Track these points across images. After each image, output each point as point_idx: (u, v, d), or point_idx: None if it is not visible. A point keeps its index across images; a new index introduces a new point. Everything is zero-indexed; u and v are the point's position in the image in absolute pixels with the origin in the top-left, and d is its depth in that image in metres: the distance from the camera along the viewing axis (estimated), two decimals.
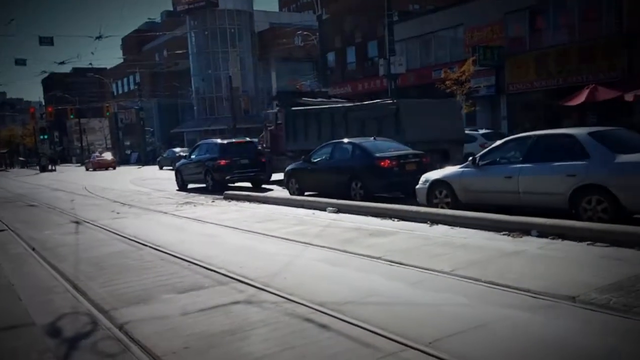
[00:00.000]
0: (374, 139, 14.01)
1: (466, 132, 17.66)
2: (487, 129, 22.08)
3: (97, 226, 10.88)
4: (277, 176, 18.14)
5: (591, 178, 7.60)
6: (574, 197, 7.77)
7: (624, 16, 19.95)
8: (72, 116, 58.45)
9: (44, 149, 54.56)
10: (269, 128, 20.78)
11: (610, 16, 21.34)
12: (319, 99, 21.87)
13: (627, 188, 7.24)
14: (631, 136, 8.63)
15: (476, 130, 20.43)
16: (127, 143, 62.13)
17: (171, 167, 30.19)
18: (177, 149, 38.90)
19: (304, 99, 21.20)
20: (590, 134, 8.10)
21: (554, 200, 8.06)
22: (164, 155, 39.13)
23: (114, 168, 42.80)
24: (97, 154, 47.40)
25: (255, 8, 53.59)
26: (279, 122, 19.82)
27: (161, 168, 37.05)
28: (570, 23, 23.58)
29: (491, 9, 26.30)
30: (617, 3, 20.19)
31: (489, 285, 5.07)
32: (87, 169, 43.76)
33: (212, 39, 50.50)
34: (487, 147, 10.20)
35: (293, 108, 19.38)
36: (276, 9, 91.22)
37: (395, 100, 16.72)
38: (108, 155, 45.81)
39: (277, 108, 21.29)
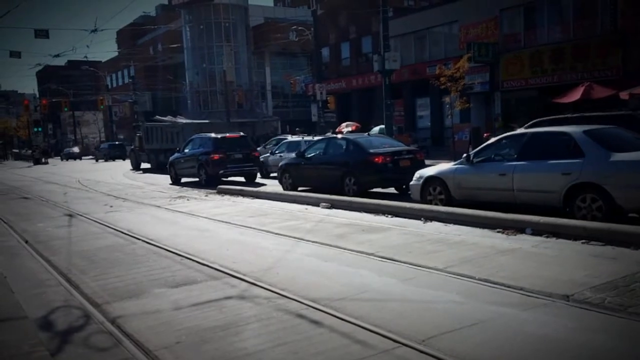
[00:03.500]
0: (368, 134, 13.99)
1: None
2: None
3: (90, 219, 10.82)
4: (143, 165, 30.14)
5: (586, 176, 7.60)
6: (569, 195, 7.77)
7: (619, 15, 19.98)
8: (66, 109, 58.10)
9: (37, 142, 54.19)
10: (138, 134, 31.99)
11: (605, 15, 21.38)
12: (168, 117, 32.40)
13: (622, 186, 7.25)
14: (626, 135, 8.63)
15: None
16: (121, 136, 61.78)
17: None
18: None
19: (156, 117, 32.87)
20: (585, 132, 8.09)
21: (549, 198, 8.06)
22: (274, 153, 31.71)
23: (81, 159, 54.12)
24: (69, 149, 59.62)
25: (250, 2, 53.28)
26: (139, 133, 31.64)
27: (268, 175, 31.12)
28: (565, 21, 23.62)
29: (486, 6, 26.28)
30: (611, 2, 20.22)
31: (482, 282, 5.06)
32: (62, 159, 54.57)
33: (207, 33, 50.18)
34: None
35: (147, 124, 31.19)
36: (271, 3, 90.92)
37: (180, 122, 29.17)
38: (76, 149, 58.33)
39: (140, 127, 32.93)
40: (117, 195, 15.56)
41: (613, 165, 7.40)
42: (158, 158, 27.64)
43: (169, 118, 31.63)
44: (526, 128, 10.61)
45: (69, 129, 76.70)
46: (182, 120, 30.34)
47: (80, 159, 54.61)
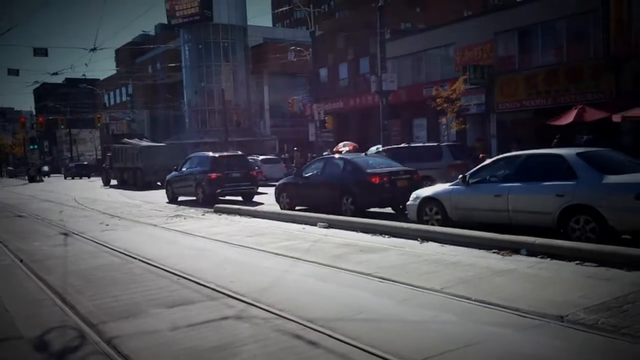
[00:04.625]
0: (365, 154, 14.10)
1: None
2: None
3: (86, 238, 10.80)
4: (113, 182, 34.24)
5: (579, 198, 7.70)
6: (563, 217, 7.85)
7: (611, 40, 20.32)
8: (62, 127, 58.19)
9: (33, 159, 54.23)
10: (108, 154, 36.34)
11: (597, 39, 21.71)
12: (135, 139, 34.90)
13: (615, 209, 7.34)
14: (619, 157, 8.76)
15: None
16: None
17: None
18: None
19: (124, 139, 35.13)
20: (578, 154, 8.22)
21: (543, 219, 8.14)
22: None
23: (49, 176, 57.61)
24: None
25: (249, 23, 53.97)
26: (109, 154, 35.92)
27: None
28: (558, 44, 23.97)
29: (481, 29, 26.68)
30: (604, 27, 20.57)
31: (478, 303, 5.10)
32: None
33: (206, 52, 50.69)
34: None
35: (115, 145, 34.60)
36: (270, 24, 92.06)
37: (139, 145, 31.88)
38: (45, 168, 60.37)
39: (110, 149, 36.65)
40: (112, 213, 15.55)
41: (605, 188, 7.50)
42: (122, 175, 32.21)
43: (135, 140, 34.07)
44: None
45: (65, 147, 76.70)
46: (142, 142, 33.43)
47: (49, 176, 58.87)
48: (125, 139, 34.63)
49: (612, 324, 4.37)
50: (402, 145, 18.69)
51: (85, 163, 58.10)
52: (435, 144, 18.43)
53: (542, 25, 24.33)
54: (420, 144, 18.83)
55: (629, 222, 7.32)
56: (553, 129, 19.46)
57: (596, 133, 17.83)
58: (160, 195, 22.09)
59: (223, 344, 4.42)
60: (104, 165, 37.61)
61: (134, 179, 30.39)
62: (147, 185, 29.00)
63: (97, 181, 39.87)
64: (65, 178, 52.62)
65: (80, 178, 50.57)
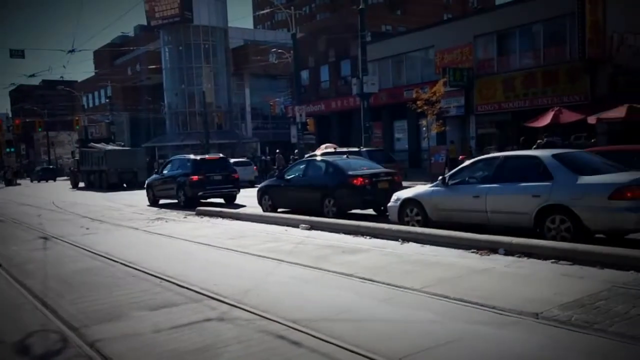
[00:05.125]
0: (347, 157, 14.21)
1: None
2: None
3: (66, 242, 10.71)
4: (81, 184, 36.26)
5: (555, 198, 7.88)
6: (539, 217, 8.04)
7: (586, 43, 20.77)
8: (40, 129, 57.33)
9: (10, 162, 53.35)
10: (75, 158, 39.93)
11: (573, 42, 22.17)
12: (101, 143, 37.73)
13: (589, 209, 7.54)
14: (593, 159, 8.99)
15: None
16: None
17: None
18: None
19: (91, 144, 38.18)
20: (554, 156, 8.42)
21: (520, 219, 8.32)
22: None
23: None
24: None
25: (230, 25, 53.76)
26: (76, 157, 39.20)
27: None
28: (536, 47, 24.43)
29: (461, 32, 27.06)
30: (579, 31, 21.01)
31: (457, 302, 5.21)
32: None
33: (187, 54, 50.37)
34: None
35: (82, 149, 37.89)
36: (251, 26, 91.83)
37: (104, 149, 34.08)
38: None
39: (77, 152, 41.13)
40: (93, 217, 15.41)
41: (580, 188, 7.69)
42: (89, 178, 34.62)
43: (100, 145, 36.88)
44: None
45: (42, 150, 75.56)
46: (107, 147, 35.80)
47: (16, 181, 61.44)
48: (92, 144, 37.66)
49: (585, 320, 4.52)
50: (331, 150, 20.27)
51: (51, 167, 59.74)
52: (357, 149, 19.25)
53: (520, 29, 24.78)
54: (345, 149, 19.60)
55: (603, 222, 7.52)
56: (531, 130, 19.85)
57: (581, 134, 18.43)
58: (138, 197, 21.93)
59: (206, 345, 4.46)
60: (72, 168, 40.13)
61: (100, 181, 32.76)
62: (112, 187, 31.16)
63: (65, 184, 41.47)
64: (31, 181, 53.33)
65: (47, 181, 51.68)
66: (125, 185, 32.08)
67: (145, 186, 20.91)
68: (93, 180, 33.79)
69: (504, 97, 24.78)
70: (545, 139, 16.14)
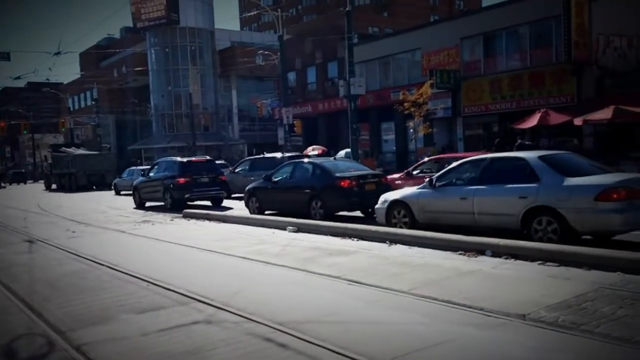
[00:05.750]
0: (334, 159, 14.22)
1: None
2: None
3: (52, 245, 10.59)
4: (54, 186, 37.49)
5: (541, 200, 7.93)
6: (526, 218, 8.08)
7: (572, 45, 20.97)
8: (25, 132, 56.66)
9: None
10: (48, 162, 40.85)
11: (559, 45, 22.36)
12: (72, 147, 39.37)
13: (575, 210, 7.58)
14: (579, 160, 9.07)
15: None
16: None
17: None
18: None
19: (62, 148, 39.05)
20: (540, 157, 8.47)
21: (507, 221, 8.37)
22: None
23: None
24: None
25: (216, 26, 53.59)
26: (49, 161, 40.25)
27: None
28: (522, 49, 24.63)
29: (447, 34, 27.19)
30: (565, 33, 21.22)
31: (445, 304, 5.23)
32: None
33: (173, 55, 50.13)
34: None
35: (53, 153, 38.76)
36: (238, 27, 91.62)
37: (73, 153, 36.35)
38: None
39: (50, 155, 40.91)
40: (79, 220, 15.27)
41: (566, 190, 7.75)
42: (60, 180, 36.47)
43: (71, 149, 38.68)
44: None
45: (27, 152, 74.67)
46: (77, 151, 37.87)
47: None
48: (63, 148, 39.43)
49: (571, 321, 4.55)
50: (259, 156, 21.46)
51: (22, 170, 61.57)
52: (280, 155, 19.72)
53: (507, 31, 24.96)
54: (270, 155, 20.55)
55: (589, 223, 7.57)
56: (509, 132, 20.02)
57: (572, 136, 18.70)
58: (123, 200, 21.77)
59: (194, 348, 4.43)
60: (45, 171, 42.81)
61: (70, 183, 34.95)
62: (81, 188, 33.54)
63: (38, 186, 44.17)
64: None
65: (18, 184, 53.00)
66: (94, 187, 34.54)
67: (112, 186, 21.28)
68: (64, 182, 35.76)
69: (490, 98, 24.94)
70: (519, 141, 16.24)
